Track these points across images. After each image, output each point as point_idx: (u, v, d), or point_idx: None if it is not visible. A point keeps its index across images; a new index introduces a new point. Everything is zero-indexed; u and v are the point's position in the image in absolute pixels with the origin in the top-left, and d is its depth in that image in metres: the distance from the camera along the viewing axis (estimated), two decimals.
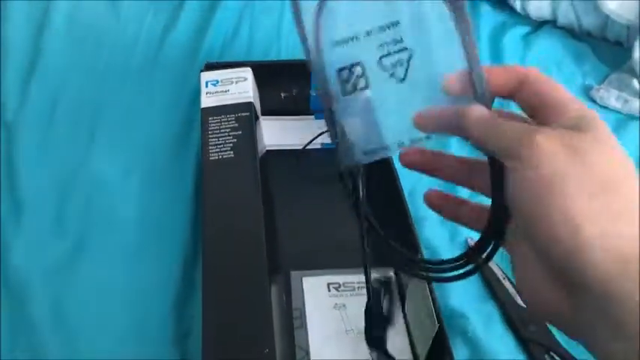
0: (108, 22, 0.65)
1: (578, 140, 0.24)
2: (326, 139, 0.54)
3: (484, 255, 0.29)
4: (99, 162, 0.52)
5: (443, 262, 0.31)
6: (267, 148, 0.54)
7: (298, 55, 0.59)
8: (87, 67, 0.60)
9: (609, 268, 0.22)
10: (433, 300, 0.37)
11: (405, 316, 0.43)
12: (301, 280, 0.45)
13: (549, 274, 0.25)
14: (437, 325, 0.35)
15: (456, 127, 0.28)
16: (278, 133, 0.55)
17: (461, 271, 0.30)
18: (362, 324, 0.42)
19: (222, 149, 0.46)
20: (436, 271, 0.32)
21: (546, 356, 0.42)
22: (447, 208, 0.33)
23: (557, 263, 0.24)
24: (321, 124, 0.56)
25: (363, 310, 0.43)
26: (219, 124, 0.47)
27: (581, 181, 0.23)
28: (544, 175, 0.24)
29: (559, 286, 0.25)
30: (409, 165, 0.33)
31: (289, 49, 0.65)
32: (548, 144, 0.24)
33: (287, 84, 0.56)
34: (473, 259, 0.30)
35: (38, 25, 0.62)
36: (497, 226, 0.29)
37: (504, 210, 0.27)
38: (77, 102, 0.56)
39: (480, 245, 0.30)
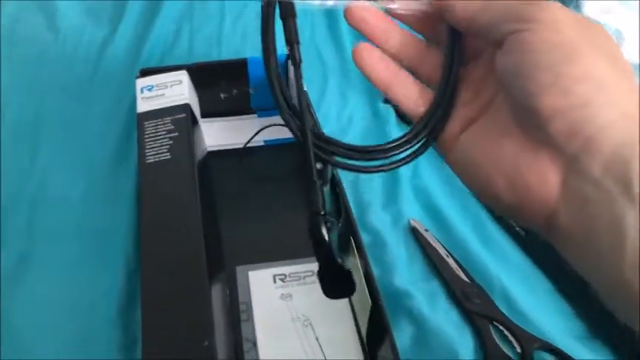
0: (46, 37, 0.65)
1: (579, 17, 0.26)
2: (268, 136, 0.55)
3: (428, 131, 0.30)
4: (41, 177, 0.52)
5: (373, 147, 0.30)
6: (209, 149, 0.54)
7: (239, 55, 0.60)
8: (27, 83, 0.60)
9: (626, 132, 0.23)
10: (368, 277, 0.38)
11: (349, 298, 0.43)
12: (247, 275, 0.46)
13: (536, 145, 0.25)
14: (370, 302, 0.36)
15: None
16: (220, 134, 0.56)
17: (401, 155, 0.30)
18: (308, 312, 0.43)
19: (158, 152, 0.46)
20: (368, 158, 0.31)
21: (490, 327, 0.43)
22: (384, 70, 0.31)
23: (567, 125, 0.24)
24: (263, 122, 0.56)
25: (309, 298, 0.43)
26: (155, 127, 0.48)
27: (598, 48, 0.25)
28: (567, 38, 0.25)
29: (549, 161, 0.25)
30: (356, 23, 0.31)
31: (230, 54, 0.65)
32: (562, 11, 0.25)
33: (226, 84, 0.56)
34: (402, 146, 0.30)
35: None
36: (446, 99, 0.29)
37: (454, 88, 0.29)
38: (18, 119, 0.56)
39: (423, 123, 0.30)
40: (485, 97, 0.30)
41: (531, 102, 0.25)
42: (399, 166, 0.30)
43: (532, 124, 0.25)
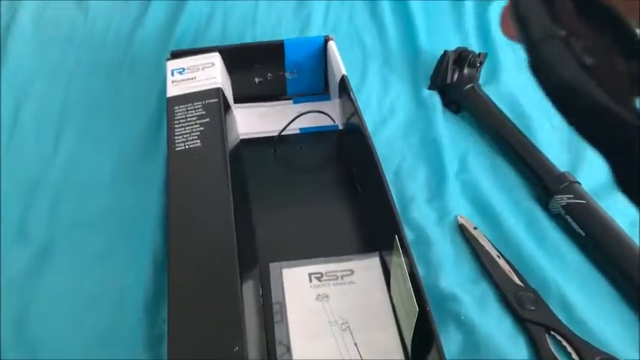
0: (76, 19, 0.62)
1: None
2: (303, 123, 0.52)
3: None
4: (66, 162, 0.49)
5: None
6: (242, 137, 0.51)
7: (275, 38, 0.57)
8: (54, 66, 0.58)
9: None
10: (413, 279, 0.34)
11: (391, 300, 0.40)
12: (281, 272, 0.42)
13: None
14: (417, 309, 0.32)
15: None
16: (254, 121, 0.53)
17: None
18: (346, 314, 0.39)
19: (188, 139, 0.43)
20: None
21: (547, 336, 0.39)
22: None
23: None
24: (299, 109, 0.53)
25: (347, 299, 0.40)
26: (185, 112, 0.45)
27: None
28: None
29: None
30: None
31: (266, 34, 0.62)
32: None
33: (261, 68, 0.53)
34: None
35: (4, 26, 0.61)
36: None
37: None
38: (44, 102, 0.54)
39: None
40: None
41: None
42: None
43: None
